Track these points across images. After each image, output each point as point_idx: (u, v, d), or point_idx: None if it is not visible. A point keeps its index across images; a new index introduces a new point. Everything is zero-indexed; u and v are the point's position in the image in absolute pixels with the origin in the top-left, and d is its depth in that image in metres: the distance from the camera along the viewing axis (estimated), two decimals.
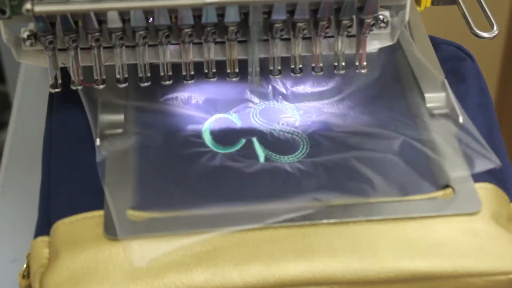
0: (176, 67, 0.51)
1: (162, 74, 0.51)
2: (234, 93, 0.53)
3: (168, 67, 0.51)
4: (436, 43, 0.57)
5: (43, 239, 0.47)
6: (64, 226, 0.46)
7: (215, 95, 0.53)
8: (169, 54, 0.50)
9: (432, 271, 0.45)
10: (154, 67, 0.51)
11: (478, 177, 0.48)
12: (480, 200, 0.47)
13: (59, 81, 0.50)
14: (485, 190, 0.48)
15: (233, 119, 0.52)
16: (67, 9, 0.46)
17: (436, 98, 0.53)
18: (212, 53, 0.51)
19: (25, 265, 0.48)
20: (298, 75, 0.52)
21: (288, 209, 0.46)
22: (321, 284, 0.45)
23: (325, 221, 0.46)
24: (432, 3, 0.55)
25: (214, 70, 0.51)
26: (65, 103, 0.52)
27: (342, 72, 0.52)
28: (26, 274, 0.47)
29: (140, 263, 0.44)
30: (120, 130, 0.50)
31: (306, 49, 0.51)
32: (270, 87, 0.54)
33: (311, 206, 0.46)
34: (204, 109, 0.52)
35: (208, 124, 0.52)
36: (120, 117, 0.51)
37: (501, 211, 0.48)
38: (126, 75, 0.51)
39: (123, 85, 0.51)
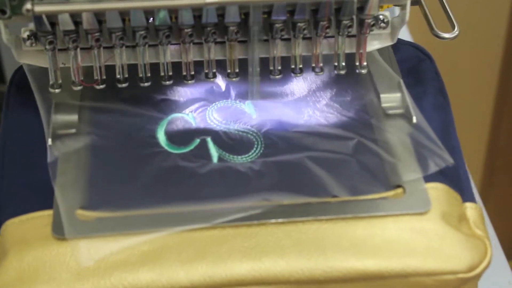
0: (134, 66, 0.51)
1: (162, 74, 0.51)
2: (191, 93, 0.53)
3: (168, 67, 0.51)
4: (396, 44, 0.56)
5: None
6: (13, 225, 0.46)
7: (172, 95, 0.53)
8: (169, 54, 0.50)
9: (380, 270, 0.45)
10: (129, 66, 0.51)
11: (430, 178, 0.48)
12: (430, 200, 0.47)
13: (59, 81, 0.51)
14: (436, 190, 0.48)
15: (189, 119, 0.52)
16: (67, 9, 0.46)
17: (392, 98, 0.53)
18: (212, 53, 0.51)
19: None
20: (299, 75, 0.52)
21: (237, 209, 0.46)
22: (269, 284, 0.45)
23: (273, 220, 0.46)
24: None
25: (214, 70, 0.51)
26: (21, 103, 0.52)
27: (342, 72, 0.52)
28: None
29: (87, 263, 0.44)
30: (73, 130, 0.50)
31: (307, 49, 0.51)
32: (227, 86, 0.54)
33: (260, 206, 0.46)
34: (160, 109, 0.52)
35: (164, 124, 0.51)
36: (74, 117, 0.51)
37: (451, 211, 0.48)
38: (127, 75, 0.51)
39: (123, 85, 0.51)
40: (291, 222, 0.46)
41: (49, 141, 0.49)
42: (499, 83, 1.17)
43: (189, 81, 0.51)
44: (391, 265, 0.45)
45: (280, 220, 0.46)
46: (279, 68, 0.52)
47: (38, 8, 0.45)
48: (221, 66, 0.52)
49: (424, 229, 0.46)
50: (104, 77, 0.51)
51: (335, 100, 0.53)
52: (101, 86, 0.51)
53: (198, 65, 0.51)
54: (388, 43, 0.53)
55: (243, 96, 0.53)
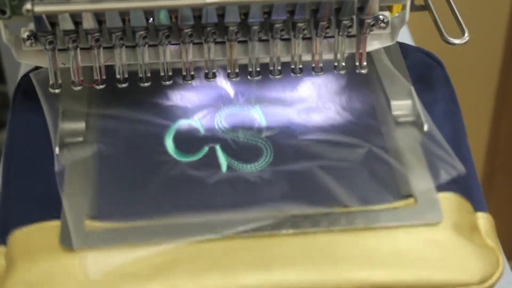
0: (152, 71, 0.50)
1: (162, 74, 0.51)
2: (199, 99, 0.53)
3: (168, 67, 0.51)
4: (405, 50, 0.57)
5: (0, 249, 0.46)
6: (20, 235, 0.46)
7: (180, 100, 0.53)
8: (169, 54, 0.50)
9: (392, 282, 0.45)
10: (133, 72, 0.50)
11: (442, 187, 0.48)
12: (442, 211, 0.47)
13: (59, 81, 0.50)
14: (448, 200, 0.47)
15: (197, 125, 0.51)
16: (67, 9, 0.46)
17: (402, 105, 0.52)
18: (212, 53, 0.51)
19: None
20: (298, 75, 0.51)
21: (247, 220, 0.46)
22: None
23: (284, 231, 0.46)
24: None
25: (214, 71, 0.51)
26: (27, 110, 0.52)
27: (342, 72, 0.52)
28: None
29: (95, 275, 0.44)
30: (80, 139, 0.50)
31: (306, 49, 0.51)
32: (235, 91, 0.53)
33: (271, 217, 0.46)
34: (168, 116, 0.52)
35: (171, 131, 0.51)
36: (81, 125, 0.50)
37: (463, 221, 0.47)
38: (126, 75, 0.51)
39: (123, 85, 0.51)
40: (302, 233, 0.46)
41: (57, 150, 0.48)
42: (499, 83, 1.17)
43: (189, 81, 0.51)
44: (403, 276, 0.45)
45: (290, 231, 0.46)
46: (279, 68, 0.51)
47: (38, 8, 0.45)
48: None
49: (436, 240, 0.46)
50: (104, 77, 0.50)
51: (345, 107, 0.53)
52: (101, 86, 0.50)
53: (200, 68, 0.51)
54: (388, 43, 0.53)
55: (251, 102, 0.53)
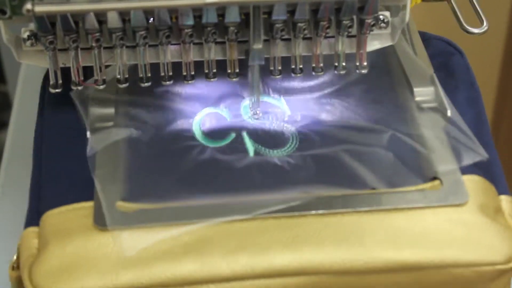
0: (173, 64, 0.51)
1: (162, 74, 0.51)
2: (225, 88, 0.53)
3: (168, 67, 0.51)
4: (426, 38, 0.58)
5: (33, 229, 0.47)
6: (53, 216, 0.47)
7: (206, 89, 0.53)
8: (169, 54, 0.50)
9: (419, 261, 0.45)
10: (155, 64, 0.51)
11: (466, 170, 0.49)
12: (467, 192, 0.47)
13: (60, 81, 0.50)
14: (473, 182, 0.48)
15: (223, 114, 0.52)
16: (67, 9, 0.46)
17: (425, 92, 0.53)
18: (212, 53, 0.51)
19: (15, 256, 0.48)
20: (299, 75, 0.52)
21: (276, 201, 0.46)
22: (309, 274, 0.45)
23: (313, 212, 0.46)
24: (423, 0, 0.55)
25: (215, 70, 0.51)
26: (57, 96, 0.52)
27: (342, 72, 0.52)
28: (16, 266, 0.47)
29: (129, 252, 0.44)
30: (110, 123, 0.51)
31: (307, 49, 0.51)
32: (262, 81, 0.54)
33: (299, 198, 0.47)
34: (194, 103, 0.53)
35: (198, 118, 0.52)
36: (110, 111, 0.51)
37: (488, 202, 0.48)
38: (127, 75, 0.51)
39: (124, 85, 0.51)
40: (331, 213, 0.46)
41: (88, 134, 0.50)
42: (499, 83, 1.17)
43: (189, 81, 0.51)
44: (430, 256, 0.45)
45: (320, 211, 0.46)
46: (279, 68, 0.51)
47: (39, 8, 0.45)
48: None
49: (462, 220, 0.46)
50: (104, 77, 0.51)
51: (368, 95, 0.53)
52: (101, 86, 0.51)
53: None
54: (388, 43, 0.53)
55: (277, 91, 0.54)
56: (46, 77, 0.55)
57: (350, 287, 0.46)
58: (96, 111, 0.51)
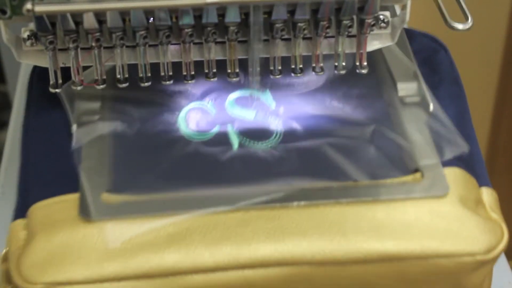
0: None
1: (162, 74, 0.51)
2: (210, 83, 0.54)
3: (168, 67, 0.51)
4: (411, 34, 0.58)
5: (21, 222, 0.48)
6: (40, 208, 0.47)
7: (192, 85, 0.54)
8: (169, 54, 0.50)
9: (400, 252, 0.46)
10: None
11: (447, 162, 0.49)
12: (448, 184, 0.48)
13: (60, 81, 0.51)
14: (454, 175, 0.49)
15: (208, 108, 0.53)
16: (67, 9, 0.46)
17: (408, 87, 0.54)
18: (212, 53, 0.51)
19: (4, 250, 0.48)
20: (299, 75, 0.52)
21: (260, 192, 0.47)
22: (291, 264, 0.46)
23: (295, 203, 0.47)
24: None
25: (215, 70, 0.51)
26: (44, 91, 0.52)
27: (342, 72, 0.52)
28: (6, 258, 0.48)
29: (114, 244, 0.45)
30: (96, 117, 0.51)
31: (307, 49, 0.51)
32: (246, 76, 0.54)
33: (282, 189, 0.47)
34: (180, 98, 0.53)
35: (184, 112, 0.52)
36: (96, 105, 0.52)
37: (469, 195, 0.48)
38: (127, 75, 0.51)
39: (124, 85, 0.51)
40: (313, 205, 0.47)
41: (74, 127, 0.50)
42: (499, 83, 1.17)
43: (190, 81, 0.51)
44: (411, 246, 0.46)
45: (302, 203, 0.47)
46: (279, 68, 0.52)
47: (39, 8, 0.45)
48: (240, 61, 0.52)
49: (443, 212, 0.47)
50: (104, 77, 0.51)
51: (352, 90, 0.54)
52: (101, 86, 0.51)
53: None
54: (389, 43, 0.53)
55: (263, 84, 0.54)
56: (33, 73, 0.55)
57: (332, 278, 0.46)
58: (83, 105, 0.52)
